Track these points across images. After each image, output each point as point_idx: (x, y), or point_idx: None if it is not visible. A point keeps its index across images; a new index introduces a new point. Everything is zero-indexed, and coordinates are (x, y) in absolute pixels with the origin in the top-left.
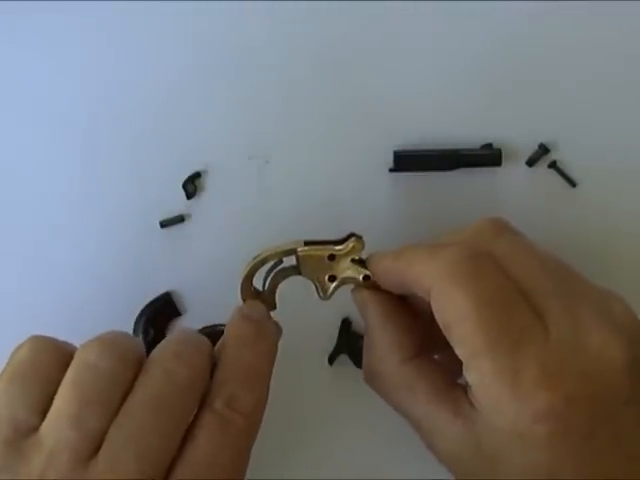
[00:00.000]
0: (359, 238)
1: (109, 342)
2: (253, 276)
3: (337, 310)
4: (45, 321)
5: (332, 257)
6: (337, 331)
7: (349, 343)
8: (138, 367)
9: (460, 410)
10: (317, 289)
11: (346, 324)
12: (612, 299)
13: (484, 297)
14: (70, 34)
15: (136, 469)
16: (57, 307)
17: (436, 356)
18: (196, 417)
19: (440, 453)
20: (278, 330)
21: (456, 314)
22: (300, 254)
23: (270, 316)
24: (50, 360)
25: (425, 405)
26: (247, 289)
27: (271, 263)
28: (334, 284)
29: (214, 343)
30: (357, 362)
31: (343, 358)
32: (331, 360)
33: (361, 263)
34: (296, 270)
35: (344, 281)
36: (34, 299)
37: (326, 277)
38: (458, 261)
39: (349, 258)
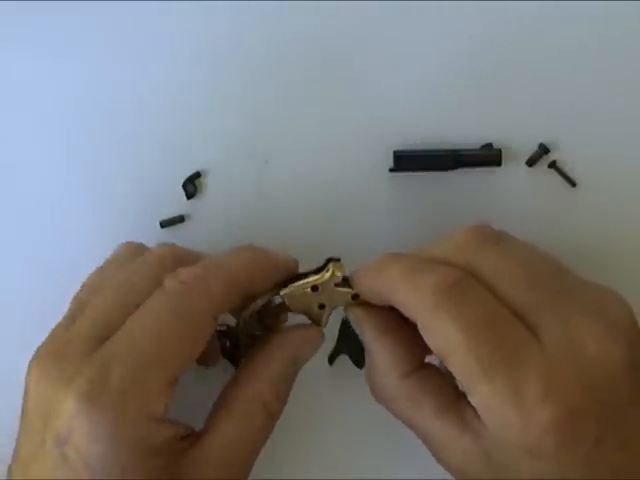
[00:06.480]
0: (337, 261)
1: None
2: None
3: (337, 310)
4: (46, 321)
5: (315, 288)
6: (337, 331)
7: (349, 343)
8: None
9: (467, 424)
10: (312, 321)
11: (346, 324)
12: (607, 298)
13: (471, 323)
14: (71, 35)
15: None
16: (57, 307)
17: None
18: None
19: (450, 466)
20: (318, 335)
21: (446, 344)
22: (283, 296)
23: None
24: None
25: (431, 419)
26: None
27: (260, 305)
28: (326, 313)
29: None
30: (357, 362)
31: (343, 358)
32: (331, 360)
33: (346, 283)
34: (286, 308)
35: (334, 306)
36: (34, 299)
37: (316, 307)
38: (441, 290)
39: (332, 283)
